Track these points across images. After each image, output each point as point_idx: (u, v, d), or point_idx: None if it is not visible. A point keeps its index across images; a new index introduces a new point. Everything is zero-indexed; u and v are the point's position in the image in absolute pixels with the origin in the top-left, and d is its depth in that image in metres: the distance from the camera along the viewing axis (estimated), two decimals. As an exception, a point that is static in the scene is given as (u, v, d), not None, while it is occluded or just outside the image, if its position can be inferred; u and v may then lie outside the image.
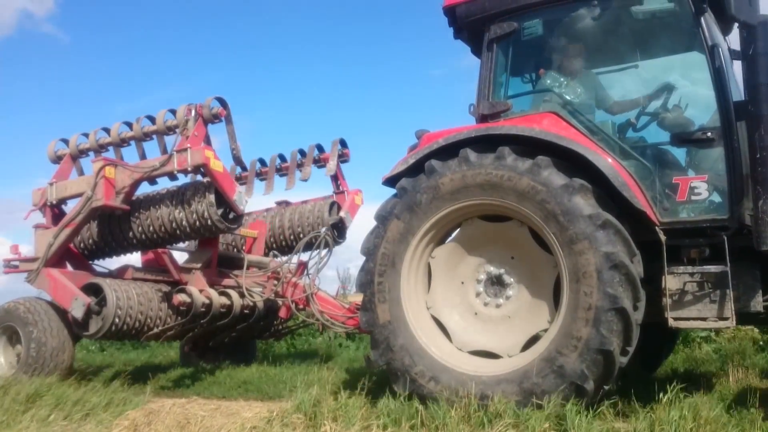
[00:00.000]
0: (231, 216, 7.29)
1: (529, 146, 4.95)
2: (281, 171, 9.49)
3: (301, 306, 7.76)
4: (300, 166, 9.30)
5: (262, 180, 9.57)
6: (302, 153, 9.33)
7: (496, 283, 5.19)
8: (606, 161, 4.86)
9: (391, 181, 5.53)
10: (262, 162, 9.58)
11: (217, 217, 7.02)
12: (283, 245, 9.14)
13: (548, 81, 5.70)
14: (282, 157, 9.48)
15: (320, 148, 9.28)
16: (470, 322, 5.24)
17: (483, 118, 5.57)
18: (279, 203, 9.57)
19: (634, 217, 4.81)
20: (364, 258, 5.46)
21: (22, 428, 5.61)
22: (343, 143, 9.26)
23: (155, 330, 7.29)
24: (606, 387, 4.60)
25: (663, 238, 4.80)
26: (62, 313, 7.20)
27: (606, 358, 4.48)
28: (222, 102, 7.29)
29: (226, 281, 8.05)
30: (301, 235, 8.73)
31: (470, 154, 5.05)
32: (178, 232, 7.25)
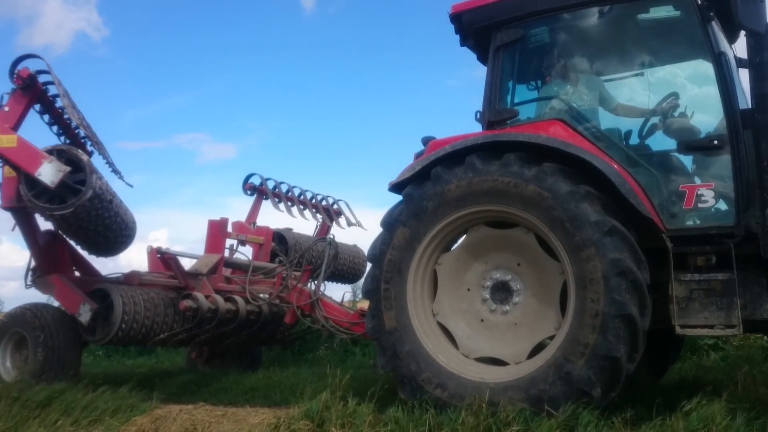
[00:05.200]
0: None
1: (535, 153, 4.96)
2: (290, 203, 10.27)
3: (306, 312, 7.77)
4: (303, 206, 10.40)
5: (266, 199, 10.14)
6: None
7: (503, 289, 5.18)
8: (612, 168, 4.86)
9: (397, 188, 5.54)
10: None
11: (27, 196, 6.52)
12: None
13: (554, 88, 5.72)
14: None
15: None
16: (477, 329, 5.23)
17: (490, 125, 5.58)
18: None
19: (641, 224, 4.80)
20: (370, 265, 5.47)
21: (31, 434, 5.65)
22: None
23: (162, 336, 7.29)
24: (613, 393, 4.59)
25: (670, 245, 4.79)
26: (69, 318, 7.22)
27: (613, 365, 4.47)
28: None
29: (232, 287, 8.07)
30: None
31: (476, 160, 5.07)
32: None
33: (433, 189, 5.19)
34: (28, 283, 7.59)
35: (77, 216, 6.53)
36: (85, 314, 6.97)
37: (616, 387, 4.58)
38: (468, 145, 5.20)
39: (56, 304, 7.55)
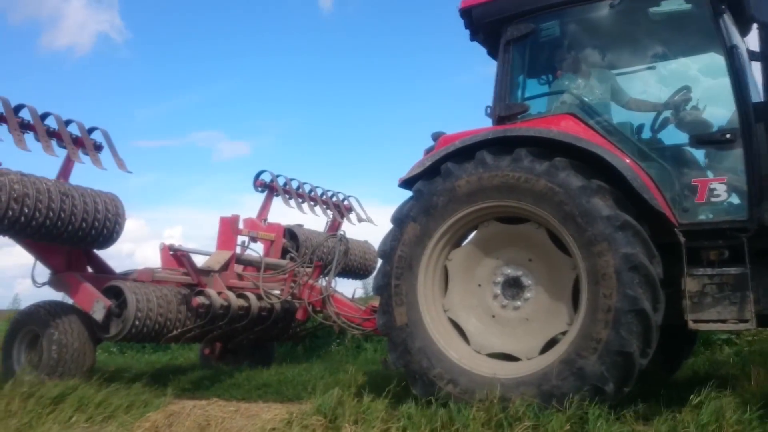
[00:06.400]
0: None
1: (546, 148, 4.94)
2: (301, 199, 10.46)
3: (317, 308, 7.80)
4: (314, 202, 10.66)
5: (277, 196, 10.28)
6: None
7: (514, 285, 5.17)
8: (625, 162, 4.84)
9: (407, 184, 5.54)
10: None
11: None
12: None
13: (565, 82, 5.69)
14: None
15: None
16: (488, 324, 5.23)
17: (500, 120, 5.57)
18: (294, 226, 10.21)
19: (653, 218, 4.78)
20: (380, 261, 5.47)
21: (45, 430, 5.69)
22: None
23: (175, 332, 7.34)
24: (626, 389, 4.58)
25: (682, 239, 4.77)
26: (83, 315, 7.27)
27: (626, 360, 4.46)
28: None
29: (244, 283, 8.11)
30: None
31: (486, 156, 5.05)
32: None
33: (443, 185, 5.19)
34: (39, 282, 7.63)
35: None
36: (98, 311, 7.03)
37: (629, 382, 4.57)
38: (478, 140, 5.19)
39: (70, 301, 7.60)
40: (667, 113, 5.41)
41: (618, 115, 5.60)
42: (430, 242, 5.23)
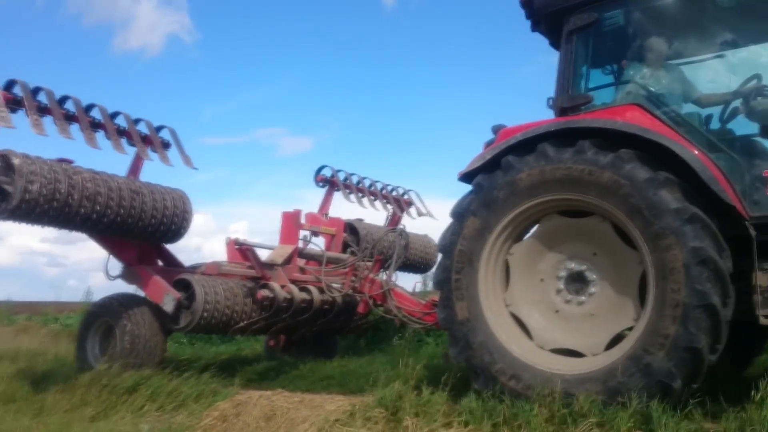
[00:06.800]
0: None
1: (610, 139, 4.84)
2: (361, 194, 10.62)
3: (378, 302, 7.86)
4: (374, 196, 10.83)
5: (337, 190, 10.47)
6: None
7: (578, 279, 5.08)
8: (693, 154, 4.70)
9: (467, 177, 5.51)
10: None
11: None
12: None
13: (631, 72, 5.55)
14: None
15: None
16: (551, 319, 5.17)
17: (562, 112, 5.48)
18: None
19: (723, 211, 4.64)
20: (440, 255, 5.48)
21: (118, 419, 5.93)
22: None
23: (241, 324, 7.52)
24: (694, 386, 4.47)
25: (753, 233, 4.61)
26: (154, 307, 7.50)
27: (694, 356, 4.35)
28: None
29: (306, 277, 8.24)
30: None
31: (548, 148, 4.98)
32: None
33: (503, 178, 5.14)
34: (113, 275, 7.91)
35: (21, 216, 6.43)
36: (169, 303, 7.25)
37: (698, 379, 4.45)
38: (540, 132, 5.11)
39: (142, 294, 7.87)
40: (737, 103, 5.24)
41: (686, 105, 5.45)
42: (490, 236, 5.20)
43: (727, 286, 4.42)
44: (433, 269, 11.16)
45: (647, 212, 4.55)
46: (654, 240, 4.52)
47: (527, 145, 5.14)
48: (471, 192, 5.38)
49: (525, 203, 5.09)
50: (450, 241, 5.34)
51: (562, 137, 5.01)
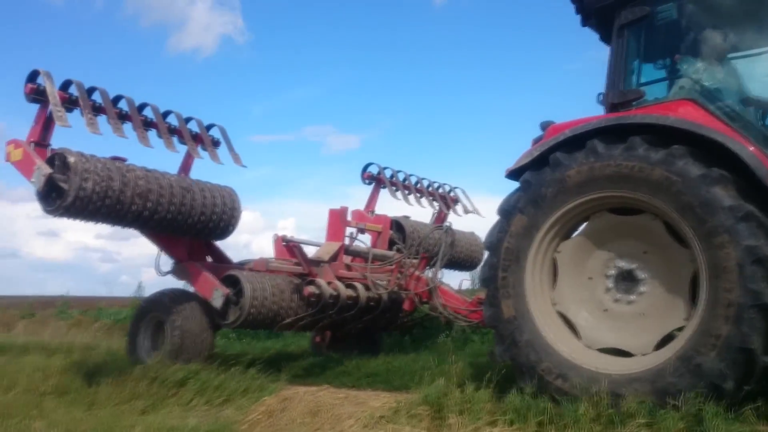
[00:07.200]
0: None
1: (662, 136, 4.72)
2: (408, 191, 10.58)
3: (424, 299, 7.84)
4: (420, 194, 10.78)
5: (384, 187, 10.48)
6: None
7: (628, 278, 4.98)
8: (749, 150, 4.55)
9: (514, 174, 5.45)
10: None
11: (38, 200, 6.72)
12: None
13: (684, 66, 5.42)
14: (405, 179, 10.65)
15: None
16: (599, 318, 5.08)
17: (613, 108, 5.39)
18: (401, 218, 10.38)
19: None
20: (487, 252, 5.43)
21: (167, 412, 6.04)
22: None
23: (287, 320, 7.60)
24: (747, 387, 4.33)
25: None
26: (203, 303, 7.62)
27: (747, 358, 4.22)
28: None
29: (352, 274, 8.27)
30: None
31: (598, 145, 4.88)
32: None
33: (551, 175, 5.07)
34: (164, 271, 8.07)
35: (76, 212, 6.59)
36: (217, 299, 7.37)
37: (751, 381, 4.32)
38: (590, 128, 5.02)
39: (191, 289, 8.01)
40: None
41: (741, 99, 5.28)
42: (538, 234, 5.14)
43: (783, 286, 4.26)
44: (480, 267, 11.18)
45: (700, 209, 4.42)
46: (707, 238, 4.40)
47: (576, 141, 5.06)
48: (518, 189, 5.33)
49: (573, 200, 5.01)
50: (497, 239, 5.30)
51: (612, 133, 4.91)
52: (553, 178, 5.06)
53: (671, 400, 4.30)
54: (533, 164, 5.27)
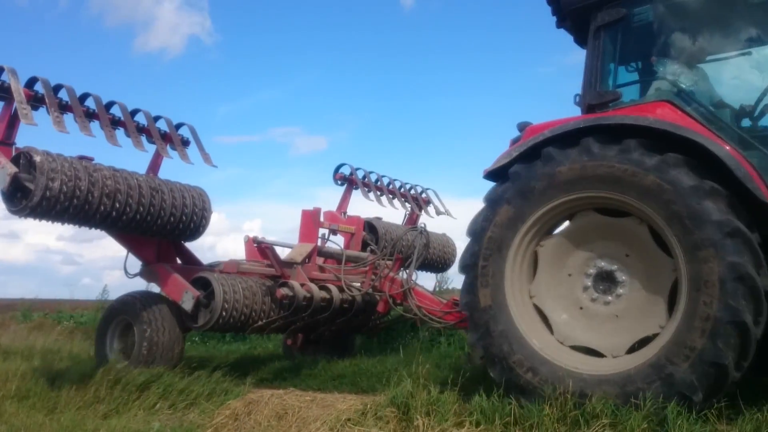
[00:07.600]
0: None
1: (653, 139, 4.67)
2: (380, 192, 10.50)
3: (398, 301, 7.75)
4: (392, 195, 10.70)
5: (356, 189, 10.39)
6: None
7: (607, 279, 4.94)
8: (726, 150, 4.56)
9: (493, 175, 5.39)
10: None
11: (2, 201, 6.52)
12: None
13: (660, 68, 5.45)
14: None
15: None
16: (575, 316, 5.03)
17: (590, 109, 5.38)
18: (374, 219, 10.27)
19: (757, 210, 4.48)
20: (469, 239, 5.33)
21: (131, 416, 5.89)
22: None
23: (259, 323, 7.45)
24: (714, 400, 4.28)
25: None
26: (174, 308, 7.44)
27: (719, 372, 4.21)
28: None
29: (326, 276, 8.15)
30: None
31: (593, 144, 4.81)
32: None
33: (542, 169, 4.99)
34: (132, 273, 7.88)
35: (42, 213, 6.39)
36: (188, 302, 7.19)
37: (719, 394, 4.30)
38: (569, 129, 4.97)
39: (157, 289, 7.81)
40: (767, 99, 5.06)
41: (716, 101, 5.29)
42: (523, 226, 5.06)
43: (761, 305, 4.27)
44: (450, 268, 11.16)
45: (688, 221, 4.39)
46: (692, 250, 4.37)
47: (560, 141, 5.00)
48: (506, 180, 5.22)
49: (562, 197, 4.94)
50: (481, 227, 5.21)
51: (603, 134, 4.85)
52: (543, 173, 4.98)
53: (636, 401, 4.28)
54: (512, 164, 5.21)
